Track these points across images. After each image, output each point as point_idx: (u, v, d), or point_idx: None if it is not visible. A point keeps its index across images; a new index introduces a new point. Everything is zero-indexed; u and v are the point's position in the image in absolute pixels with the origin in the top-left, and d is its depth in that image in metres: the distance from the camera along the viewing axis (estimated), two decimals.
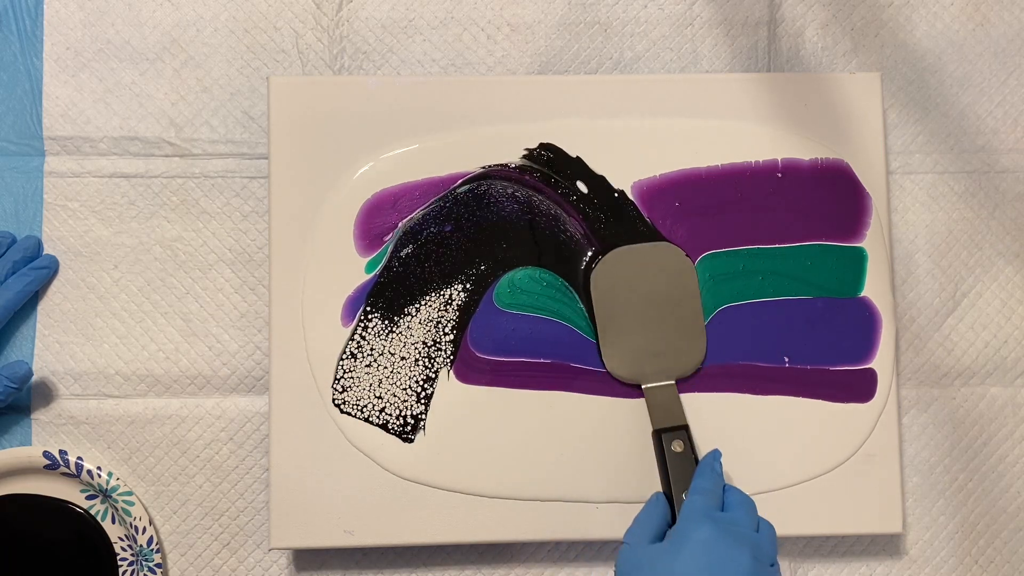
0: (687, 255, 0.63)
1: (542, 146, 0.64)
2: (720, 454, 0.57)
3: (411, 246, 0.62)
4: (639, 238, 0.63)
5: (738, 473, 0.62)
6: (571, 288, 0.63)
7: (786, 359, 0.63)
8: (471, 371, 0.62)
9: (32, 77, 0.66)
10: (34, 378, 0.64)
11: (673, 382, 0.61)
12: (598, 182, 0.63)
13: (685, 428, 0.59)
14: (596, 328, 0.62)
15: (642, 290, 0.62)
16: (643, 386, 0.61)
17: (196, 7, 0.67)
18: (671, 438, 0.58)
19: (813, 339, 0.63)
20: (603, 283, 0.62)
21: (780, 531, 0.61)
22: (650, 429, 0.61)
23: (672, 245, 0.63)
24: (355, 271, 0.62)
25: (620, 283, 0.62)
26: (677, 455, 0.58)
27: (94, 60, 0.66)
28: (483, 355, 0.62)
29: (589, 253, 0.62)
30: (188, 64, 0.67)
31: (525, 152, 0.63)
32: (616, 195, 0.63)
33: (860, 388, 0.63)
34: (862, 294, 0.64)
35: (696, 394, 0.63)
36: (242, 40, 0.67)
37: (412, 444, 0.61)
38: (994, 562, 0.66)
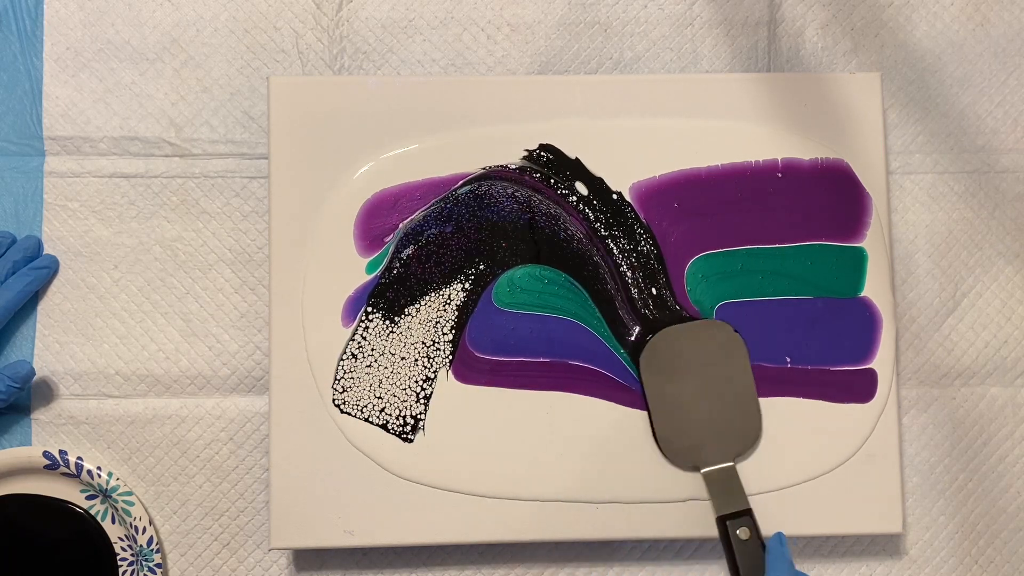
0: (735, 331, 0.62)
1: (541, 147, 0.64)
2: (785, 538, 0.56)
3: (412, 247, 0.62)
4: (637, 240, 0.63)
5: (739, 473, 0.62)
6: (575, 283, 0.63)
7: (788, 359, 0.63)
8: (470, 371, 0.62)
9: (32, 77, 0.66)
10: (34, 378, 0.64)
11: (732, 463, 0.60)
12: (597, 183, 0.63)
13: (749, 512, 0.58)
14: (650, 414, 0.61)
15: (692, 371, 0.61)
16: (702, 470, 0.60)
17: (196, 7, 0.67)
18: (736, 525, 0.57)
19: (814, 339, 0.63)
20: (652, 367, 0.61)
21: (781, 531, 0.62)
22: (651, 432, 0.61)
23: (719, 322, 0.62)
24: (356, 271, 0.62)
25: (669, 366, 0.61)
26: (744, 542, 0.57)
27: (94, 60, 0.66)
28: (482, 355, 0.62)
29: (636, 331, 0.62)
30: (188, 64, 0.67)
31: (525, 153, 0.63)
32: (615, 196, 0.63)
33: (860, 388, 0.63)
34: (862, 294, 0.64)
35: None
36: (242, 40, 0.67)
37: (412, 444, 0.61)
38: (994, 562, 0.66)
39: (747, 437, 0.61)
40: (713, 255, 0.63)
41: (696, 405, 0.61)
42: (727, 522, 0.58)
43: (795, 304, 0.63)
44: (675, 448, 0.61)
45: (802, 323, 0.63)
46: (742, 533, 0.57)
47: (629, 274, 0.63)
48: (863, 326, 0.64)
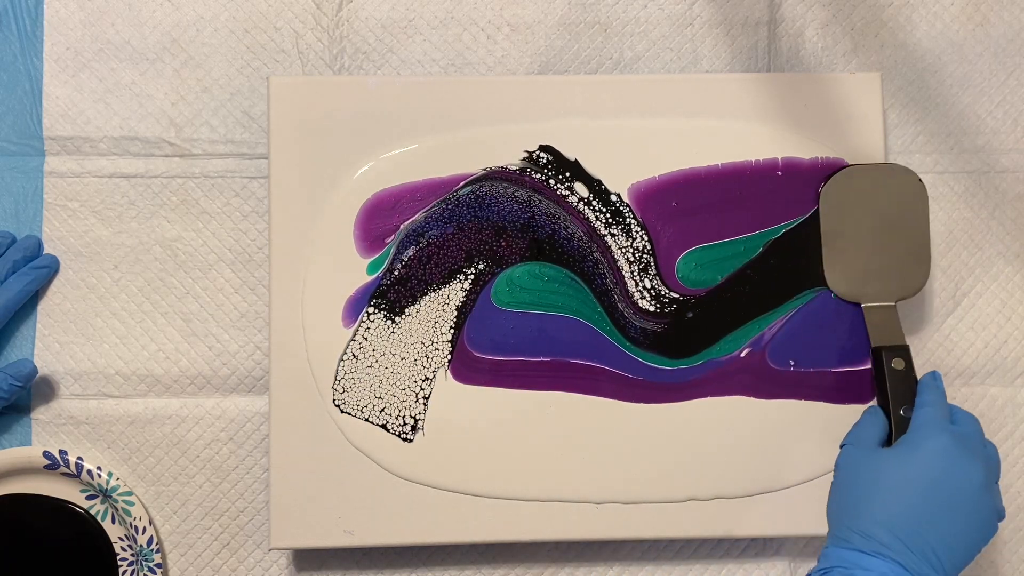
0: (919, 179, 0.63)
1: (541, 148, 0.64)
2: (940, 376, 0.58)
3: (413, 248, 0.62)
4: (634, 238, 0.63)
5: (739, 473, 0.62)
6: (576, 279, 0.63)
7: (792, 363, 0.63)
8: (469, 371, 0.62)
9: (32, 77, 0.66)
10: (36, 377, 0.64)
11: (894, 304, 0.62)
12: (595, 185, 0.63)
13: (906, 349, 0.59)
14: (822, 244, 0.63)
15: (871, 210, 0.63)
16: (863, 305, 0.62)
17: (196, 7, 0.67)
18: (892, 355, 0.59)
19: (817, 342, 0.63)
20: (832, 200, 0.63)
21: (781, 531, 0.62)
22: (656, 430, 0.62)
23: (905, 167, 0.63)
24: (356, 272, 0.62)
25: (849, 201, 0.63)
26: (898, 372, 0.59)
27: (94, 60, 0.66)
28: (481, 355, 0.62)
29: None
30: (188, 64, 0.67)
31: (524, 155, 0.63)
32: (613, 197, 0.63)
33: (860, 389, 0.63)
34: None
35: (703, 400, 0.63)
36: (242, 40, 0.67)
37: (412, 444, 0.61)
38: (995, 563, 0.66)
39: (913, 281, 0.63)
40: (710, 246, 0.63)
41: (867, 242, 0.63)
42: (883, 352, 0.59)
43: (805, 308, 0.63)
44: (839, 279, 0.63)
45: (811, 327, 0.63)
46: (896, 364, 0.59)
47: (626, 268, 0.63)
48: (865, 327, 0.63)
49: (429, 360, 0.62)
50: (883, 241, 0.63)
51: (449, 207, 0.63)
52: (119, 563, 0.63)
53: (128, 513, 0.62)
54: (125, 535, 0.63)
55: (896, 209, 0.63)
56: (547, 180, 0.63)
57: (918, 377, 0.59)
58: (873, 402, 0.61)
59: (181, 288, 0.65)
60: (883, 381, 0.59)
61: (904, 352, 0.59)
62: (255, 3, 0.67)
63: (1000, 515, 0.53)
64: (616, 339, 0.62)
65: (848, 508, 0.52)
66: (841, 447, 0.56)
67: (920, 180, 0.63)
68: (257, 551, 0.64)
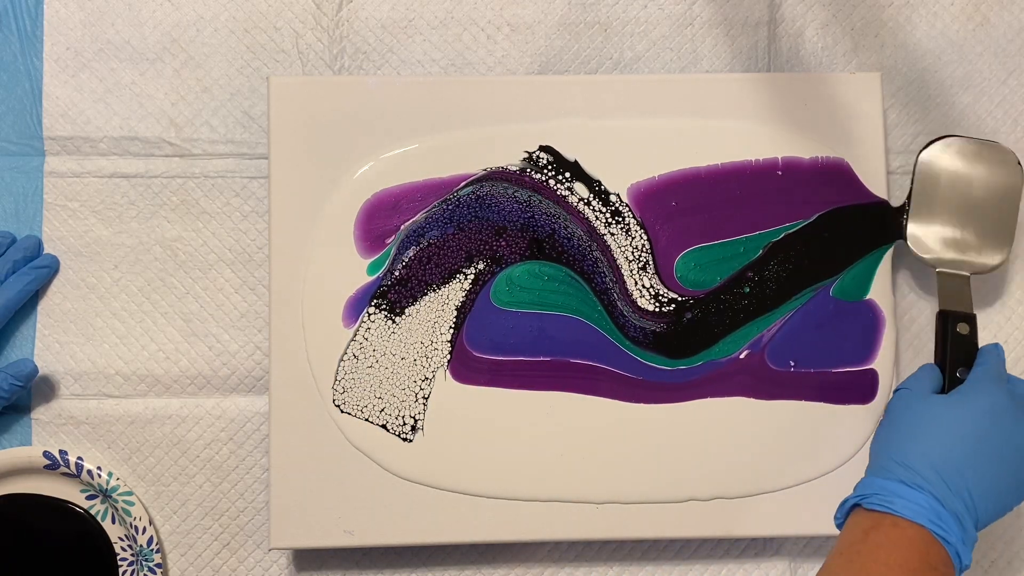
0: (1020, 162, 0.63)
1: (541, 148, 0.64)
2: (1002, 348, 0.59)
3: (414, 248, 0.62)
4: (633, 237, 0.63)
5: (739, 473, 0.62)
6: (576, 277, 0.63)
7: (792, 364, 0.63)
8: (468, 371, 0.62)
9: (32, 77, 0.66)
10: (36, 377, 0.64)
11: (968, 275, 0.62)
12: (595, 185, 0.63)
13: (973, 317, 0.60)
14: (909, 205, 0.63)
15: (964, 181, 0.63)
16: (936, 269, 0.62)
17: (196, 7, 0.67)
18: (957, 319, 0.60)
19: (817, 342, 0.63)
20: (928, 165, 0.63)
21: (781, 531, 0.62)
22: (656, 430, 0.62)
23: (1007, 148, 0.64)
24: (357, 272, 0.62)
25: (945, 170, 0.63)
26: (961, 336, 0.59)
27: (94, 60, 0.66)
28: (481, 355, 0.62)
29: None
30: (188, 64, 0.67)
31: (524, 155, 0.63)
32: (613, 197, 0.63)
33: (861, 389, 0.63)
34: (868, 297, 0.64)
35: (703, 400, 0.63)
36: (242, 40, 0.67)
37: (412, 444, 0.61)
38: (996, 564, 0.66)
39: (991, 259, 0.63)
40: (709, 246, 0.63)
41: (955, 212, 0.63)
42: (949, 315, 0.60)
43: (804, 308, 0.63)
44: (919, 240, 0.63)
45: (810, 327, 0.63)
46: (961, 328, 0.59)
47: (625, 266, 0.63)
48: (866, 328, 0.63)
49: (429, 360, 0.62)
50: (971, 214, 0.63)
51: (449, 207, 0.63)
52: (119, 563, 0.63)
53: (128, 513, 0.62)
54: (125, 535, 0.63)
55: (990, 186, 0.63)
56: (547, 180, 0.63)
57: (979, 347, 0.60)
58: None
59: (181, 288, 0.65)
60: (944, 343, 0.59)
61: (971, 320, 0.60)
62: (255, 3, 0.67)
63: None
64: (616, 338, 0.62)
65: (894, 443, 0.53)
66: (895, 392, 0.57)
67: (1020, 163, 0.63)
68: (257, 551, 0.64)
